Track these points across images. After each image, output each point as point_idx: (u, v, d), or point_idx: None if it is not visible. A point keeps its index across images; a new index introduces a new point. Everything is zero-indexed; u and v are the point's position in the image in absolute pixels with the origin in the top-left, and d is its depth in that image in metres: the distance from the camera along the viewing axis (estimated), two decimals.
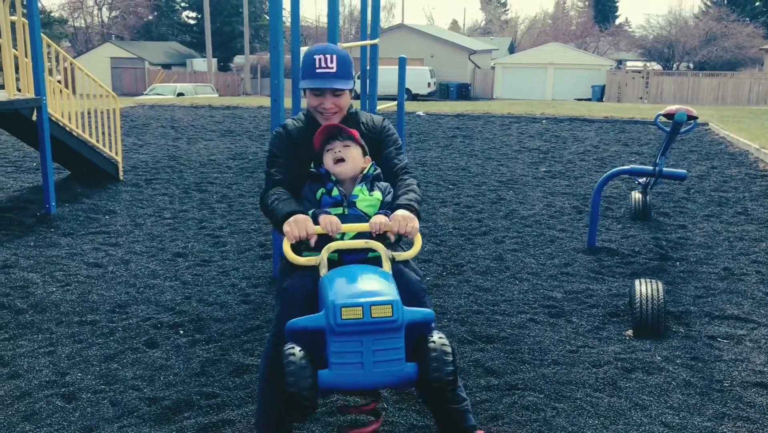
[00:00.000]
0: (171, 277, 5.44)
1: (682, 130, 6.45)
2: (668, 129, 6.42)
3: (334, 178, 2.85)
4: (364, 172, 2.88)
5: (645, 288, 4.43)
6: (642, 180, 7.27)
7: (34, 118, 7.36)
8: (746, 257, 5.96)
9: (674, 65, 47.92)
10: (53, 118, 7.63)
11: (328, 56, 2.86)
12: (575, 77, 41.64)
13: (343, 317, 2.28)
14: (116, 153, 8.98)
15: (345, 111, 3.00)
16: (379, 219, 2.66)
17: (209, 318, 4.57)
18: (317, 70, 2.86)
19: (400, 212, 2.66)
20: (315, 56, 2.86)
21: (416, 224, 2.65)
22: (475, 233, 6.73)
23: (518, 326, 4.46)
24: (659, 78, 39.42)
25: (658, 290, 4.41)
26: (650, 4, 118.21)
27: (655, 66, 48.50)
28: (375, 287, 2.41)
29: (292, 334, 2.39)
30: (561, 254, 6.07)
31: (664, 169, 5.88)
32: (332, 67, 2.85)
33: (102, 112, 8.96)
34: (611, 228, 6.89)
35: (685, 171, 5.97)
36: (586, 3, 68.45)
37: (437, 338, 2.38)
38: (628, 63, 55.58)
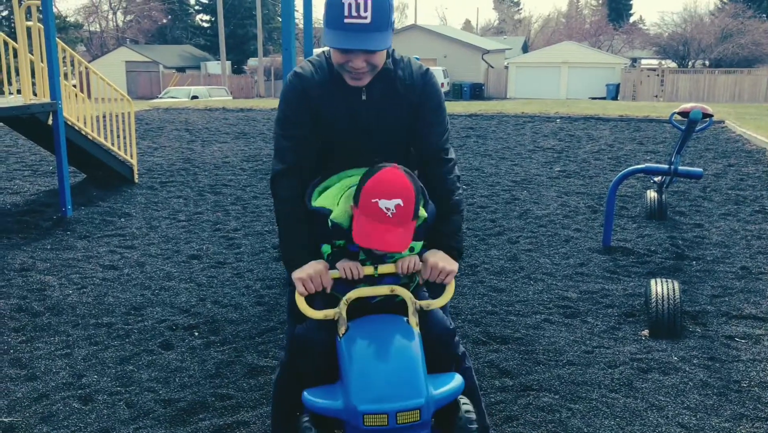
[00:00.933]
0: (186, 279, 5.46)
1: (697, 128, 6.39)
2: (683, 127, 6.36)
3: None
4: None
5: (661, 288, 4.39)
6: (657, 179, 7.22)
7: (50, 122, 7.42)
8: (764, 256, 5.90)
9: (690, 63, 47.54)
10: (69, 122, 7.69)
11: (362, 1, 2.15)
12: (589, 76, 41.43)
13: (366, 424, 2.07)
14: (131, 156, 9.04)
15: (380, 67, 2.37)
16: (408, 261, 2.34)
17: (224, 320, 4.58)
18: (345, 21, 2.17)
19: (435, 257, 2.33)
20: (343, 1, 2.16)
21: (452, 273, 2.33)
22: (489, 234, 6.71)
23: (533, 326, 4.44)
24: (674, 76, 39.13)
25: (674, 289, 4.37)
26: (665, 2, 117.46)
27: (670, 64, 48.14)
28: (402, 381, 2.13)
29: (309, 409, 2.23)
30: (576, 253, 6.04)
31: (680, 167, 5.83)
32: (366, 17, 2.15)
33: (117, 116, 9.02)
34: (626, 227, 6.85)
35: (701, 169, 5.92)
36: (600, 1, 68.05)
37: (463, 408, 2.23)
38: (643, 61, 55.22)
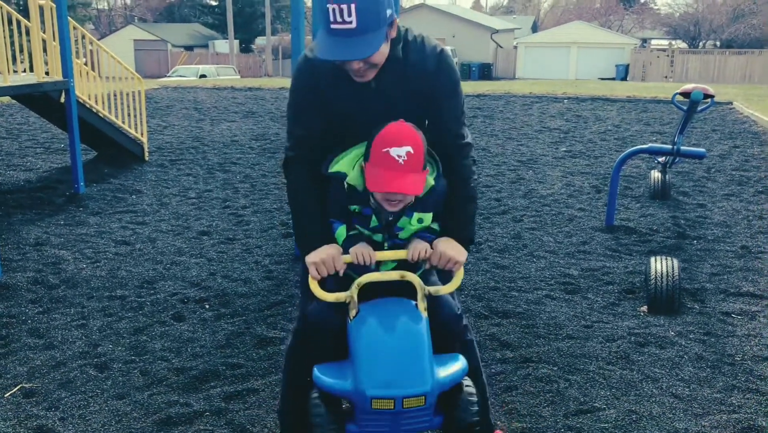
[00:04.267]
0: (196, 254, 5.60)
1: (699, 108, 6.46)
2: (685, 108, 6.43)
3: (373, 203, 2.40)
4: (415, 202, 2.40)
5: (660, 265, 4.49)
6: (661, 159, 7.29)
7: (63, 100, 7.54)
8: (765, 236, 5.98)
9: (701, 43, 47.18)
10: (80, 100, 7.81)
11: (345, 6, 2.10)
12: (599, 56, 41.18)
13: (374, 407, 2.17)
14: (141, 134, 9.16)
15: (383, 61, 2.32)
16: (420, 247, 2.38)
17: (234, 293, 4.72)
18: (332, 26, 2.16)
19: (445, 246, 2.37)
20: (329, 6, 2.13)
21: (461, 261, 2.37)
22: (494, 212, 6.81)
23: (534, 302, 4.56)
24: (685, 56, 38.85)
25: (673, 267, 4.47)
26: None
27: (681, 44, 47.78)
28: (409, 368, 2.21)
29: (318, 389, 2.31)
30: (579, 232, 6.14)
31: (683, 148, 5.90)
32: (351, 22, 2.12)
33: (127, 95, 9.12)
34: (630, 207, 6.93)
35: (704, 150, 5.99)
36: None
37: (465, 389, 2.32)
38: (653, 41, 54.81)
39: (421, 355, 2.23)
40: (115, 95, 8.85)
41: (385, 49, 2.27)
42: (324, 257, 2.34)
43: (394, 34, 2.29)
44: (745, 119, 12.99)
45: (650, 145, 6.63)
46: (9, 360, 3.79)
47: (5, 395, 3.41)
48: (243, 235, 6.15)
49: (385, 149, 2.20)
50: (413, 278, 2.37)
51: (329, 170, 2.41)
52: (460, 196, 2.45)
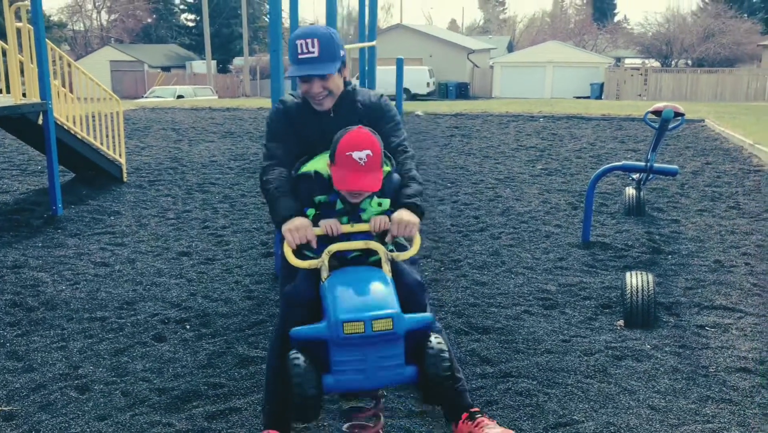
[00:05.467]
0: (176, 275, 5.59)
1: (670, 126, 6.61)
2: (657, 126, 6.58)
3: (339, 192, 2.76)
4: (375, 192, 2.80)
5: (635, 280, 4.58)
6: (636, 176, 7.42)
7: (40, 122, 7.51)
8: (736, 250, 6.11)
9: (673, 62, 48.07)
10: (58, 122, 7.78)
11: (309, 40, 2.77)
12: (574, 75, 41.79)
13: (346, 332, 2.37)
14: (120, 155, 9.14)
15: (338, 92, 2.92)
16: (379, 219, 2.72)
17: (214, 313, 4.73)
18: (299, 57, 2.79)
19: (400, 214, 2.71)
20: (297, 41, 2.79)
21: (416, 225, 2.70)
22: (473, 230, 6.89)
23: (513, 317, 4.62)
24: (658, 75, 39.54)
25: (648, 281, 4.57)
26: (648, 2, 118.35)
27: (654, 63, 48.64)
28: (376, 297, 2.47)
29: (296, 341, 2.49)
30: (556, 248, 6.23)
31: (655, 165, 6.03)
32: (314, 52, 2.77)
33: (105, 116, 9.11)
34: (606, 223, 7.05)
35: (676, 167, 6.13)
36: (584, 1, 68.59)
37: (434, 339, 2.49)
38: (627, 60, 55.76)
39: (387, 289, 2.52)
40: (93, 117, 8.83)
41: (339, 81, 2.90)
42: (298, 225, 2.68)
43: (346, 73, 2.96)
44: (717, 136, 13.27)
45: (624, 162, 6.76)
46: None
47: None
48: (223, 255, 6.16)
49: (348, 153, 2.62)
50: (376, 245, 2.69)
51: (298, 172, 2.85)
52: (407, 180, 2.88)
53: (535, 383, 3.66)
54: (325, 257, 2.64)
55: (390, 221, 2.72)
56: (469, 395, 3.03)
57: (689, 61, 47.28)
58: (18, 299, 5.00)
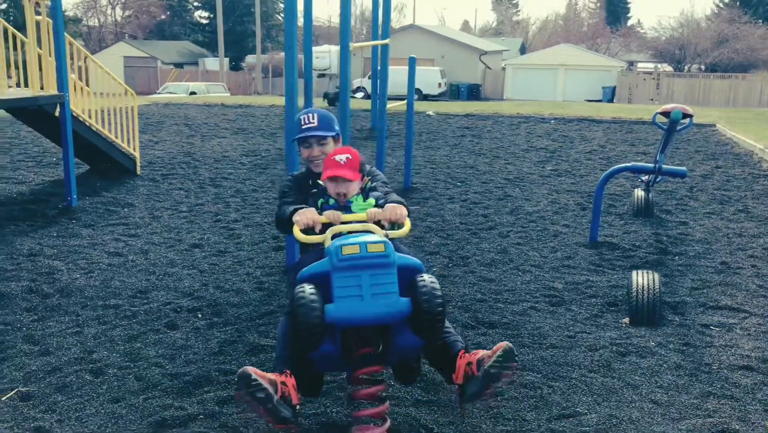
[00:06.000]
0: (189, 266, 5.69)
1: (679, 128, 6.66)
2: (665, 127, 6.63)
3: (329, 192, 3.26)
4: (361, 185, 3.31)
5: (642, 279, 4.64)
6: (644, 178, 7.46)
7: (57, 113, 7.63)
8: (743, 252, 6.15)
9: (686, 67, 47.89)
10: (74, 114, 7.90)
11: (310, 115, 3.57)
12: (586, 78, 41.69)
13: (344, 253, 2.72)
14: (134, 149, 9.25)
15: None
16: (374, 210, 3.13)
17: (226, 303, 4.81)
18: (303, 127, 3.55)
19: (390, 204, 3.15)
20: (301, 116, 3.59)
21: (404, 211, 3.11)
22: (481, 228, 6.95)
23: (519, 313, 4.68)
24: (670, 79, 39.43)
25: (654, 280, 4.62)
26: (662, 6, 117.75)
27: (667, 68, 48.47)
28: (371, 236, 2.88)
29: (302, 280, 2.77)
30: (563, 247, 6.28)
31: (664, 166, 6.08)
32: (314, 123, 3.53)
33: (119, 110, 9.22)
34: (614, 224, 7.09)
35: (684, 169, 6.17)
36: (598, 4, 68.38)
37: (427, 277, 2.75)
38: (639, 64, 55.54)
39: (381, 237, 2.88)
40: (108, 111, 8.95)
41: (332, 147, 3.53)
42: (306, 212, 3.11)
43: (340, 145, 3.63)
44: (727, 141, 13.26)
45: (633, 163, 6.82)
46: (5, 366, 3.87)
47: (2, 399, 3.49)
48: (234, 248, 6.25)
49: (332, 157, 3.24)
50: (372, 225, 3.01)
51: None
52: (392, 199, 3.32)
53: (539, 376, 3.73)
54: (328, 234, 3.00)
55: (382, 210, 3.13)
56: (459, 342, 3.13)
57: (702, 66, 47.10)
58: (34, 285, 5.11)
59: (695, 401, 3.46)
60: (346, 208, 3.19)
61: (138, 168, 9.27)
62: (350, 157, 3.24)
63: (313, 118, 3.56)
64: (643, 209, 7.38)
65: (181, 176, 9.28)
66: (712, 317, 4.67)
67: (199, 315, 4.62)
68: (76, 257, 5.85)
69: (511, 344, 2.85)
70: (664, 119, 6.62)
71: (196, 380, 3.67)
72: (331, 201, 3.25)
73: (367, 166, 3.60)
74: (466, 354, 2.98)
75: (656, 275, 4.69)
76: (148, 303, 4.83)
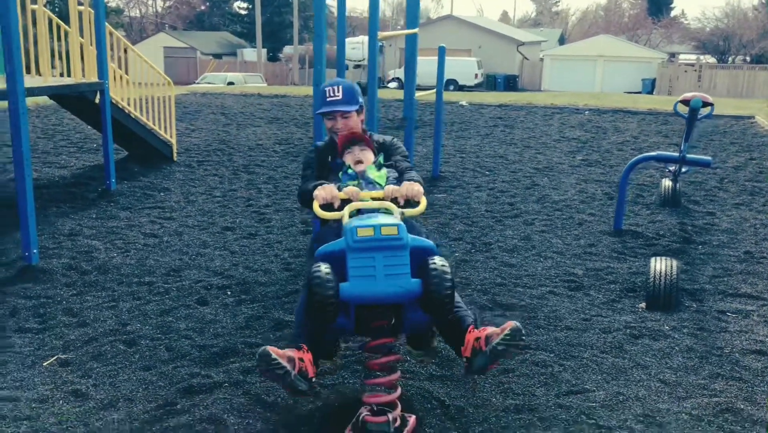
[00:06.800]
0: (220, 247, 5.91)
1: (700, 116, 6.67)
2: (686, 116, 6.65)
3: (347, 164, 3.46)
4: (374, 161, 3.50)
5: (660, 264, 4.70)
6: (672, 168, 7.46)
7: (97, 100, 7.92)
8: None
9: (730, 58, 46.90)
10: (114, 101, 8.19)
11: (335, 87, 3.68)
12: (625, 70, 41.16)
13: (359, 235, 2.83)
14: (171, 136, 9.53)
15: (356, 130, 3.66)
16: (391, 187, 3.25)
17: (254, 282, 5.02)
18: (327, 99, 3.68)
19: (407, 181, 3.29)
20: (325, 89, 3.72)
21: (420, 188, 3.23)
22: (506, 216, 7.05)
23: (538, 297, 4.79)
24: (712, 71, 38.72)
25: (672, 266, 4.68)
26: None
27: (710, 59, 47.53)
28: (385, 219, 2.97)
29: (319, 258, 2.89)
30: (587, 235, 6.35)
31: (688, 155, 6.10)
32: (338, 96, 3.66)
33: (158, 98, 9.50)
34: (640, 213, 7.12)
35: (709, 158, 6.18)
36: None
37: (438, 260, 2.83)
38: (681, 56, 54.53)
39: (395, 219, 2.98)
40: (148, 100, 9.24)
41: (357, 121, 3.74)
42: (326, 187, 3.26)
43: (363, 117, 3.81)
44: (765, 133, 13.06)
45: (658, 153, 6.83)
46: (46, 335, 4.12)
47: (44, 364, 3.74)
48: (265, 231, 6.45)
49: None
50: (388, 204, 3.14)
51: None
52: (409, 175, 3.49)
53: (552, 355, 3.84)
54: (346, 210, 3.12)
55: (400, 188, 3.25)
56: (469, 318, 3.23)
57: (747, 58, 46.07)
58: (73, 263, 5.38)
59: (703, 382, 3.54)
60: (365, 179, 3.36)
61: (174, 154, 9.55)
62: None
63: (338, 91, 3.67)
64: (670, 199, 7.39)
65: (215, 163, 9.54)
66: (730, 304, 4.72)
67: (228, 292, 4.83)
68: (113, 237, 6.12)
69: (519, 324, 2.93)
70: (685, 108, 6.63)
71: (222, 352, 3.87)
72: (350, 171, 3.42)
73: (389, 138, 3.82)
74: (475, 330, 3.10)
75: (675, 262, 4.75)
76: (181, 281, 5.06)
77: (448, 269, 2.80)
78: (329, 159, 3.69)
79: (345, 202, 3.23)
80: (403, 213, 3.12)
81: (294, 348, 3.02)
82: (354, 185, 3.32)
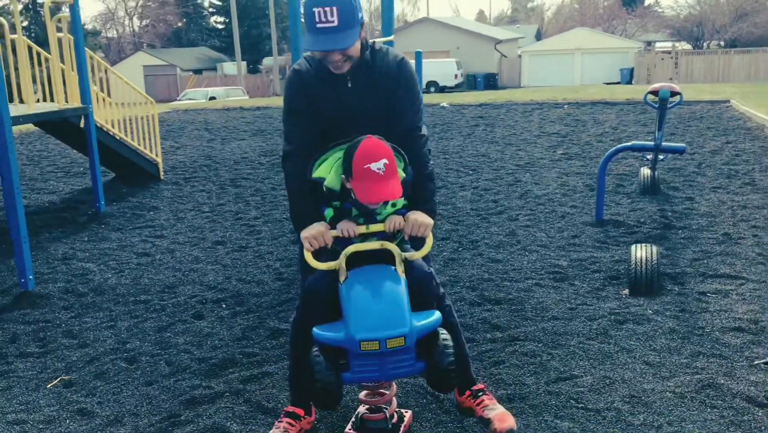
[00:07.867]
0: (212, 261, 6.02)
1: (669, 105, 6.88)
2: (657, 105, 6.87)
3: (353, 196, 2.79)
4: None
5: (641, 252, 4.87)
6: (650, 156, 7.64)
7: (82, 125, 8.02)
8: (746, 223, 6.32)
9: (705, 44, 47.41)
10: (98, 125, 8.28)
11: (328, 9, 2.62)
12: (603, 61, 41.54)
13: (362, 349, 2.60)
14: (156, 155, 9.62)
15: (357, 55, 2.86)
16: (394, 219, 2.85)
17: (248, 293, 5.13)
18: (317, 25, 2.66)
19: (415, 215, 2.84)
20: (314, 9, 2.63)
21: (429, 226, 2.83)
22: (491, 213, 7.20)
23: (524, 290, 4.93)
24: (689, 58, 39.14)
25: (652, 252, 4.84)
26: None
27: (685, 46, 48.03)
28: (390, 314, 2.65)
29: (317, 341, 2.72)
30: (570, 227, 6.51)
31: (663, 143, 6.27)
32: (333, 21, 2.63)
33: (141, 118, 9.60)
34: (621, 203, 7.29)
35: (683, 145, 6.37)
36: None
37: (441, 337, 2.71)
38: (657, 44, 55.03)
39: (401, 306, 2.68)
40: (130, 120, 9.33)
41: (357, 45, 2.80)
42: (315, 232, 2.82)
43: (364, 34, 2.83)
44: (740, 116, 13.31)
45: (633, 142, 7.01)
46: (48, 358, 4.22)
47: (48, 386, 3.84)
48: (255, 243, 6.57)
49: (366, 166, 2.65)
50: (392, 246, 2.84)
51: (312, 175, 2.90)
52: (422, 177, 2.97)
53: (540, 345, 3.98)
54: (342, 259, 2.79)
55: (405, 220, 2.86)
56: (473, 372, 3.27)
57: (722, 43, 46.59)
58: (69, 286, 5.48)
59: (685, 361, 3.69)
60: (371, 217, 2.90)
61: (161, 173, 9.64)
62: (387, 162, 2.66)
63: (332, 15, 2.62)
64: (649, 187, 7.56)
65: (202, 179, 9.64)
66: (710, 285, 4.88)
67: (223, 305, 4.94)
68: (107, 259, 6.21)
69: (515, 428, 2.99)
70: (655, 98, 6.84)
71: (221, 363, 3.98)
72: (354, 213, 2.91)
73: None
74: (473, 399, 3.17)
75: (655, 248, 4.90)
76: (176, 297, 5.16)
77: (450, 344, 2.70)
78: (324, 83, 2.88)
79: (338, 240, 2.86)
80: (405, 258, 2.83)
81: (291, 419, 3.09)
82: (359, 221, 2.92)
